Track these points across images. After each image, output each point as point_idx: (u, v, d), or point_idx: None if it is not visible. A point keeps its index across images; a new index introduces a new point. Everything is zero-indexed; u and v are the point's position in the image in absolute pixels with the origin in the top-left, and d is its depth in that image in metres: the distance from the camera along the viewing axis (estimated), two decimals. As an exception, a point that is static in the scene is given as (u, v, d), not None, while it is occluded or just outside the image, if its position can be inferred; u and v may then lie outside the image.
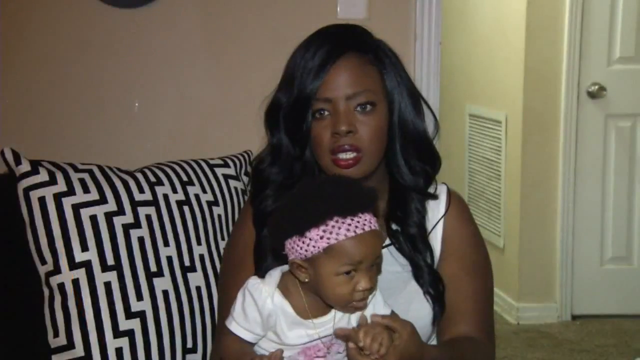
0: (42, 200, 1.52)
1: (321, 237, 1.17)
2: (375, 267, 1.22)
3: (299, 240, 1.19)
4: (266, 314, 1.22)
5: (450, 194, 1.49)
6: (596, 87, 3.66)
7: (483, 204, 4.12)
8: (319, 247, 1.17)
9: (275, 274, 1.27)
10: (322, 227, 1.17)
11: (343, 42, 1.39)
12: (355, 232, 1.17)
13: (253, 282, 1.25)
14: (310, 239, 1.18)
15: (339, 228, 1.17)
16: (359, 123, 1.36)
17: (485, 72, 4.07)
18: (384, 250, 1.44)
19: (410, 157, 1.43)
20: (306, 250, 1.18)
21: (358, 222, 1.18)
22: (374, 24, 1.51)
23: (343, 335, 1.20)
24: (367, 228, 1.18)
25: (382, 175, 1.45)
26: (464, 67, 4.23)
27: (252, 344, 1.27)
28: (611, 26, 3.62)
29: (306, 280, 1.21)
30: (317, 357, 1.23)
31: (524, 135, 3.70)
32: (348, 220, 1.17)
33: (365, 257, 1.18)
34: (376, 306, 1.27)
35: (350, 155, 1.35)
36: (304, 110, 1.37)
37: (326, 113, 1.36)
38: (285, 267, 1.27)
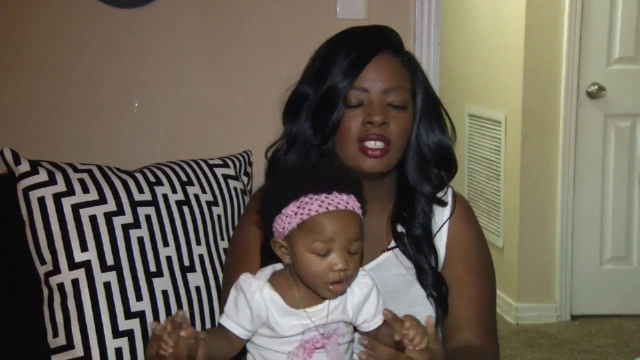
0: (41, 201, 1.52)
1: (295, 213, 1.19)
2: (356, 254, 1.22)
3: (278, 218, 1.21)
4: (256, 307, 1.23)
5: (455, 196, 1.50)
6: (595, 87, 3.66)
7: (482, 204, 4.12)
8: (293, 223, 1.19)
9: (266, 271, 1.28)
10: (297, 204, 1.19)
11: (381, 40, 1.43)
12: (327, 208, 1.18)
13: (244, 277, 1.26)
14: (286, 216, 1.20)
15: (312, 204, 1.19)
16: (391, 118, 1.38)
17: (484, 72, 4.07)
18: (389, 253, 1.44)
19: (425, 162, 1.46)
20: (283, 228, 1.21)
21: (332, 199, 1.19)
22: (374, 24, 1.52)
23: (390, 318, 1.19)
24: (341, 206, 1.19)
25: (394, 176, 1.47)
26: (463, 67, 4.23)
27: (243, 340, 1.26)
28: (610, 26, 3.62)
29: (288, 261, 1.23)
30: (316, 348, 1.23)
31: (524, 135, 3.70)
32: (322, 197, 1.19)
33: (336, 234, 1.18)
34: (370, 305, 1.27)
35: (379, 144, 1.37)
36: (336, 100, 1.38)
37: (359, 104, 1.38)
38: (278, 266, 1.28)
